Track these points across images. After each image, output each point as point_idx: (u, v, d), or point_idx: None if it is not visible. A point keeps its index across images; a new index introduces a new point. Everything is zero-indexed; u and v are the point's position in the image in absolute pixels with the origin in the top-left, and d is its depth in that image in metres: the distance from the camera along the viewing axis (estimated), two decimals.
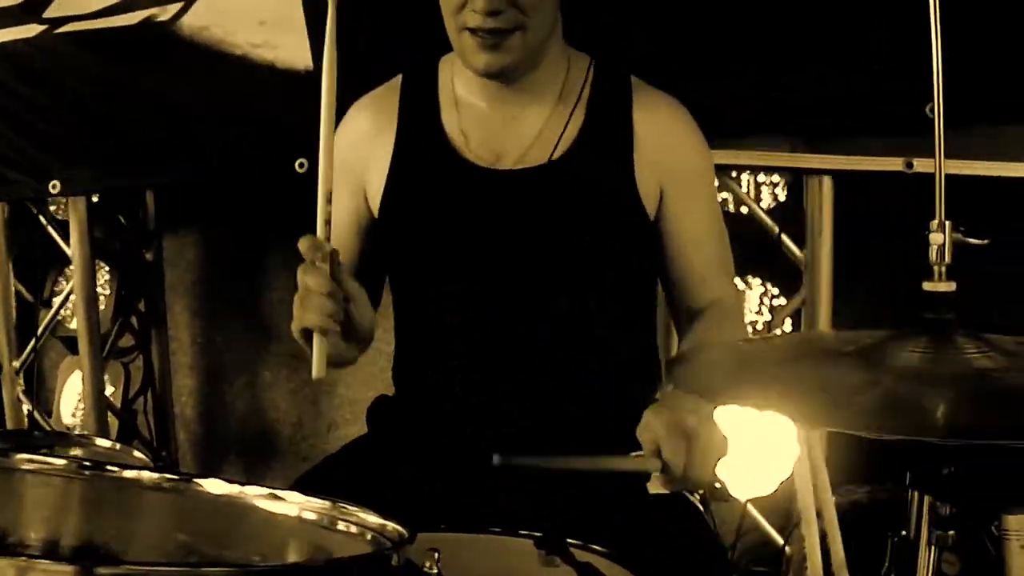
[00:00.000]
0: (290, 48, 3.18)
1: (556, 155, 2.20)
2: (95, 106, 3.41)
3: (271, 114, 3.26)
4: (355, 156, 2.28)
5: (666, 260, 2.26)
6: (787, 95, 2.85)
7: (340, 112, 2.33)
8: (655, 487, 2.13)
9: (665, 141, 2.23)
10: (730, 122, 2.86)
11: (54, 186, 3.50)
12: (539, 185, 2.19)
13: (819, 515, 2.15)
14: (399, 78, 2.31)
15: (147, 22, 3.27)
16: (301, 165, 3.21)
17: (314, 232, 1.92)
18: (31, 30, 3.36)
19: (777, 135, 2.95)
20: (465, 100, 2.24)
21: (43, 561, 1.29)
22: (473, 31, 2.09)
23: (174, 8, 3.25)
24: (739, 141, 2.95)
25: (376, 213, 2.27)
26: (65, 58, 3.37)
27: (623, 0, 2.92)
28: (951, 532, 1.76)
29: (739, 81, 2.85)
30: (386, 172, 2.25)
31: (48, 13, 3.34)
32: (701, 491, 2.17)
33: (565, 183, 2.19)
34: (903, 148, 2.78)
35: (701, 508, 2.22)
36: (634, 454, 2.13)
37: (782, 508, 3.05)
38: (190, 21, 3.24)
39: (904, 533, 2.19)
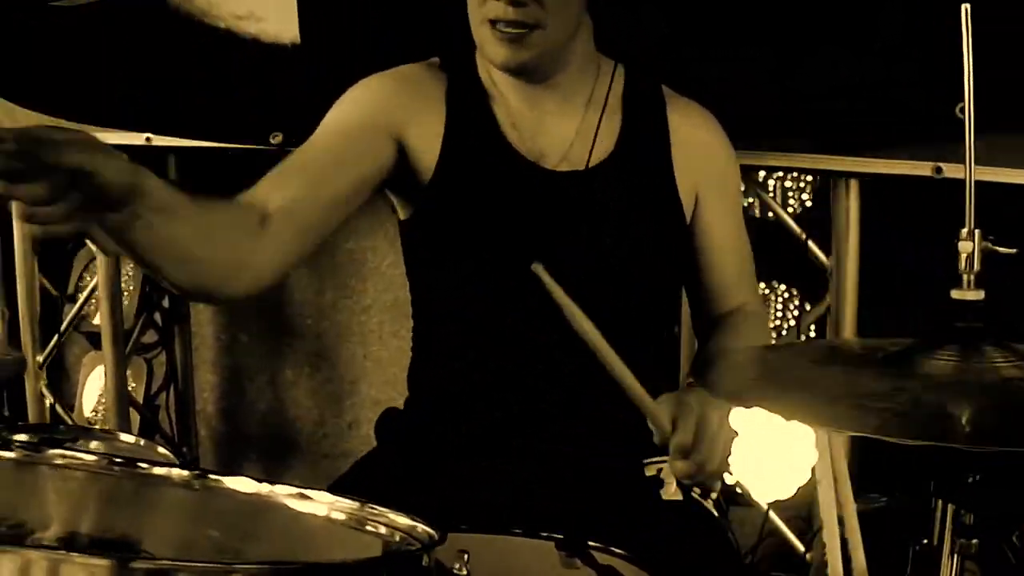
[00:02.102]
0: (275, 21, 3.14)
1: (596, 159, 2.20)
2: (82, 78, 3.39)
3: (251, 87, 3.24)
4: (394, 107, 2.18)
5: (696, 268, 2.27)
6: (800, 82, 2.83)
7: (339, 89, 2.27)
8: (669, 494, 2.14)
9: (700, 150, 2.25)
10: (743, 106, 2.83)
11: None
12: (583, 186, 2.18)
13: (841, 522, 2.15)
14: (435, 60, 2.27)
15: None
16: (275, 137, 3.19)
17: None
18: None
19: (792, 125, 2.91)
20: (505, 94, 2.22)
21: (79, 555, 1.29)
22: (494, 23, 2.10)
23: None
24: (751, 129, 2.91)
25: (424, 181, 2.17)
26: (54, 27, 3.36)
27: None
28: (974, 541, 1.75)
29: (752, 66, 2.83)
30: (436, 152, 2.17)
31: None
32: (712, 492, 2.17)
33: (608, 185, 2.19)
34: (932, 153, 2.75)
35: (717, 514, 2.22)
36: (647, 461, 2.14)
37: (803, 514, 3.05)
38: None
39: (926, 541, 2.19)
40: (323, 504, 1.59)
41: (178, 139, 3.54)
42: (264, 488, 1.60)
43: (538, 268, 1.88)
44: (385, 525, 1.54)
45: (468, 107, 2.20)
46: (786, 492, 2.97)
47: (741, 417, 2.00)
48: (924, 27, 2.57)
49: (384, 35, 3.02)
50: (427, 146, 2.17)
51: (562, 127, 2.22)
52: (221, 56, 3.22)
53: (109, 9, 3.27)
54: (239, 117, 3.29)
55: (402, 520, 1.53)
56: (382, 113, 2.16)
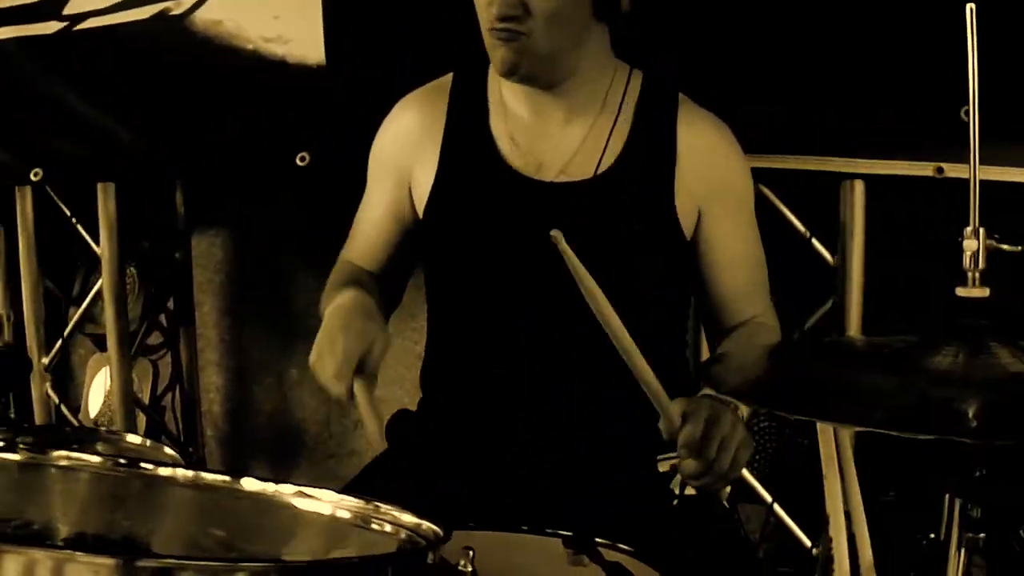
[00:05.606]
0: (303, 43, 3.17)
1: (598, 170, 2.19)
2: (106, 100, 3.42)
3: (277, 109, 3.26)
4: (401, 153, 2.29)
5: (701, 281, 2.26)
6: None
7: (386, 107, 2.35)
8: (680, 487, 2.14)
9: (707, 162, 2.22)
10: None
11: (35, 174, 3.53)
12: (579, 199, 2.18)
13: (848, 517, 2.15)
14: (449, 77, 2.31)
15: (160, 16, 3.27)
16: (303, 159, 3.22)
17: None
18: (50, 27, 3.37)
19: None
20: (511, 106, 2.24)
21: (83, 554, 1.29)
22: (492, 29, 2.11)
23: (189, 2, 3.25)
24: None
25: (420, 212, 2.27)
26: (79, 52, 3.38)
27: None
28: (981, 535, 1.75)
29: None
30: (433, 174, 2.25)
31: (67, 10, 3.35)
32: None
33: (604, 198, 2.19)
34: (934, 153, 2.74)
35: (728, 508, 2.22)
36: (661, 457, 2.14)
37: (810, 509, 3.04)
38: (203, 15, 3.24)
39: (933, 536, 2.18)
40: (328, 503, 1.59)
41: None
42: (269, 487, 1.61)
43: (558, 236, 1.87)
44: (390, 523, 1.54)
45: (465, 128, 2.26)
46: None
47: None
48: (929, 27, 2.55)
49: (408, 53, 3.04)
50: (425, 178, 2.26)
51: (568, 137, 2.22)
52: (247, 79, 3.25)
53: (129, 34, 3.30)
54: (263, 139, 3.32)
55: (407, 518, 1.53)
56: (395, 172, 2.30)
